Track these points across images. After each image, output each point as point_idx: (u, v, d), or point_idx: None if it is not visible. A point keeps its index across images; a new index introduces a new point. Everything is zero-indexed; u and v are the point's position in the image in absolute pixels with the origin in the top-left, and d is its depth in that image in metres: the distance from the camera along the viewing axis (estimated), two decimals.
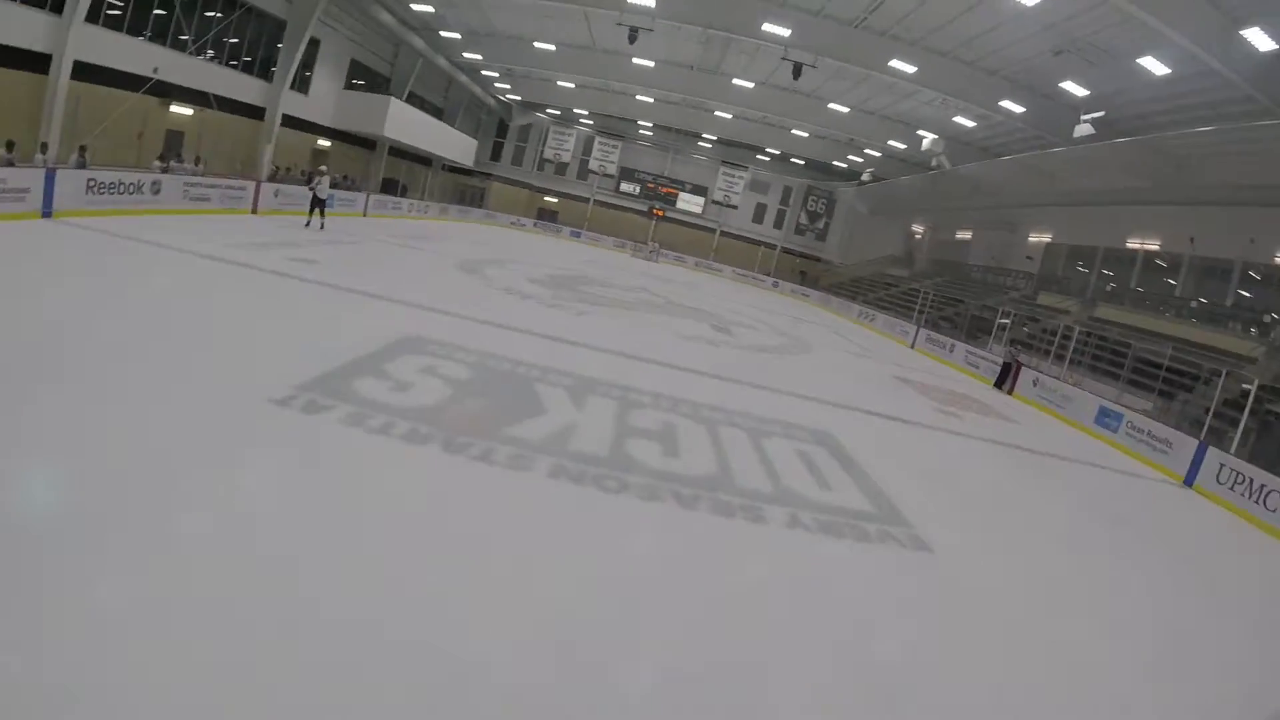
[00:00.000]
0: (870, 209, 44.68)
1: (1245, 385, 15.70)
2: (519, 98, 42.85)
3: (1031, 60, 19.88)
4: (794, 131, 36.06)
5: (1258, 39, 14.34)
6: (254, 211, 18.75)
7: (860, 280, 41.80)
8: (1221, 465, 12.44)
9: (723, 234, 47.63)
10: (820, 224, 47.94)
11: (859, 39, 21.39)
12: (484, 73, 37.39)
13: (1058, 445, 13.27)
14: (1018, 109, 22.40)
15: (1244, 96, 16.55)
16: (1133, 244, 25.81)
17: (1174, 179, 21.44)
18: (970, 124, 26.14)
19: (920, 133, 28.38)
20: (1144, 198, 23.92)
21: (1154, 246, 24.96)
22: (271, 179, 22.58)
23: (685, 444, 6.66)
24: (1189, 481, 12.98)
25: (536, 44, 29.52)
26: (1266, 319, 19.45)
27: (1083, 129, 19.53)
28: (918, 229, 43.01)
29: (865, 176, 39.09)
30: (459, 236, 26.88)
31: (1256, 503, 11.44)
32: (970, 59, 21.26)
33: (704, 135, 42.60)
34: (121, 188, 13.60)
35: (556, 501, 4.90)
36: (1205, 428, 14.54)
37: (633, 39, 22.29)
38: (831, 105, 29.22)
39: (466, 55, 33.19)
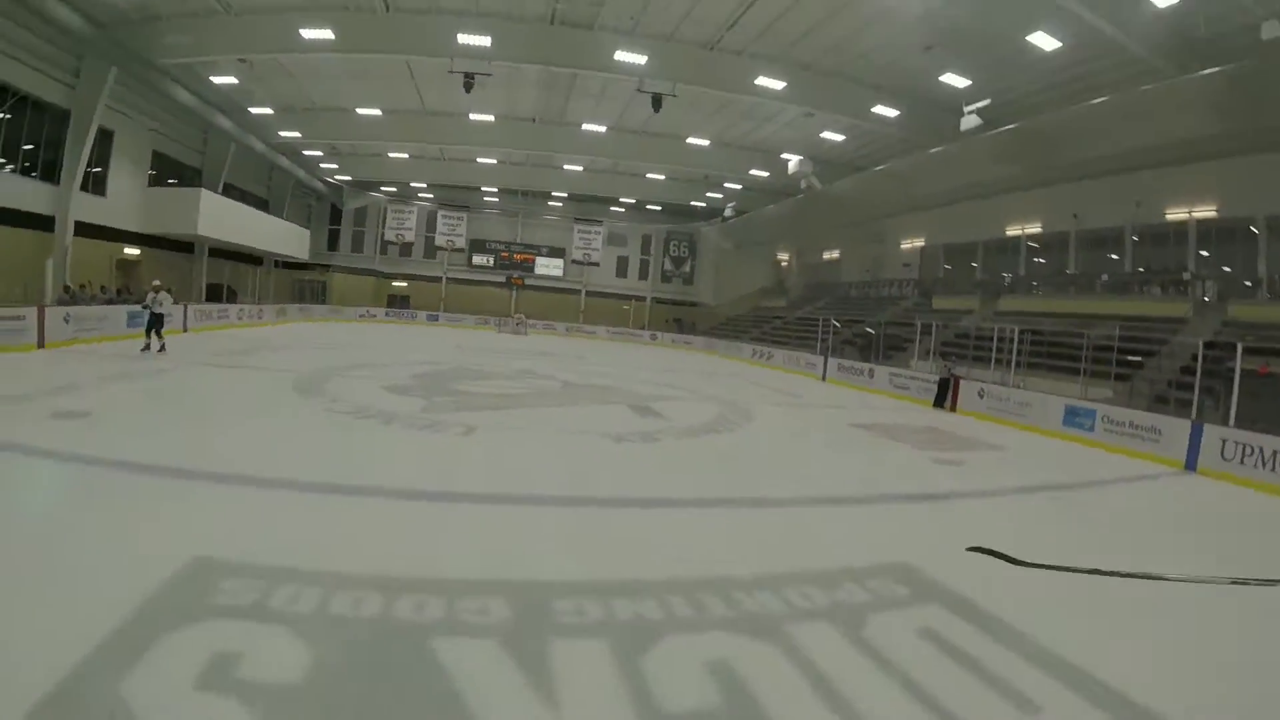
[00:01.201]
0: (735, 244, 43.73)
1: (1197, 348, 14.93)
2: (349, 178, 39.04)
3: (902, 60, 18.79)
4: (649, 176, 34.49)
5: None
6: (41, 346, 14.35)
7: (738, 318, 40.51)
8: (1224, 440, 11.47)
9: (588, 294, 45.35)
10: (686, 268, 46.56)
11: (718, 61, 19.70)
12: (306, 153, 33.46)
13: (1061, 466, 11.99)
14: (891, 113, 21.37)
15: (1133, 59, 15.87)
16: (1013, 231, 25.51)
17: (1050, 161, 20.99)
18: (839, 138, 25.18)
19: (785, 157, 27.29)
20: (1020, 184, 23.52)
21: (1036, 229, 24.69)
22: (66, 301, 17.83)
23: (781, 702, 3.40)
24: (1190, 466, 11.99)
25: (360, 110, 26.17)
26: (1185, 275, 19.05)
27: (969, 121, 18.56)
28: (784, 257, 42.48)
29: (728, 212, 38.09)
30: (300, 342, 22.39)
31: (1273, 470, 10.51)
32: (837, 68, 20.03)
33: (554, 193, 40.50)
34: None
35: None
36: (1195, 407, 13.43)
37: (468, 87, 19.46)
38: (691, 140, 27.61)
39: (283, 134, 29.19)
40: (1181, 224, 19.78)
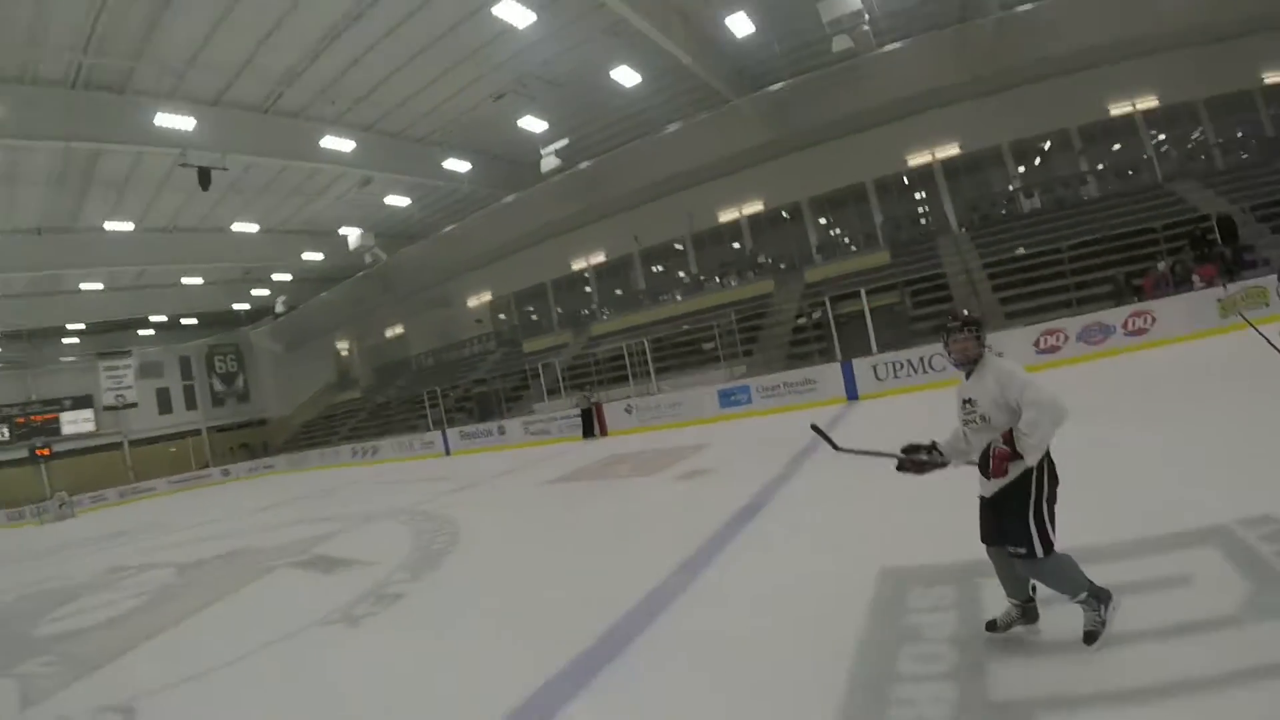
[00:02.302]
0: (287, 345, 39.06)
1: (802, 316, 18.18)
2: None
3: (474, 110, 19.00)
4: (184, 281, 28.77)
5: (739, 24, 15.98)
6: None
7: (313, 424, 36.15)
8: (874, 367, 14.26)
9: (132, 444, 35.68)
10: (238, 383, 39.96)
11: (274, 125, 17.37)
12: None
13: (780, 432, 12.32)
14: (463, 167, 21.33)
15: (702, 85, 18.51)
16: (579, 265, 27.88)
17: (614, 191, 23.55)
18: (404, 203, 24.29)
19: (344, 232, 25.31)
20: (584, 220, 25.82)
21: (601, 259, 27.36)
22: None
23: None
24: (852, 396, 14.41)
25: None
26: (762, 260, 23.29)
27: (549, 162, 19.47)
28: (343, 345, 39.52)
29: (279, 308, 33.64)
30: None
31: (926, 372, 13.45)
32: (402, 128, 19.33)
33: (69, 326, 31.70)
34: None
35: None
36: (836, 347, 16.17)
37: None
38: (236, 227, 23.75)
39: None
40: (734, 222, 24.28)
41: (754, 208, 24.07)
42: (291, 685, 4.45)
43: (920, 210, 22.40)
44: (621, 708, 3.44)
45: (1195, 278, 12.84)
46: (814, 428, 3.62)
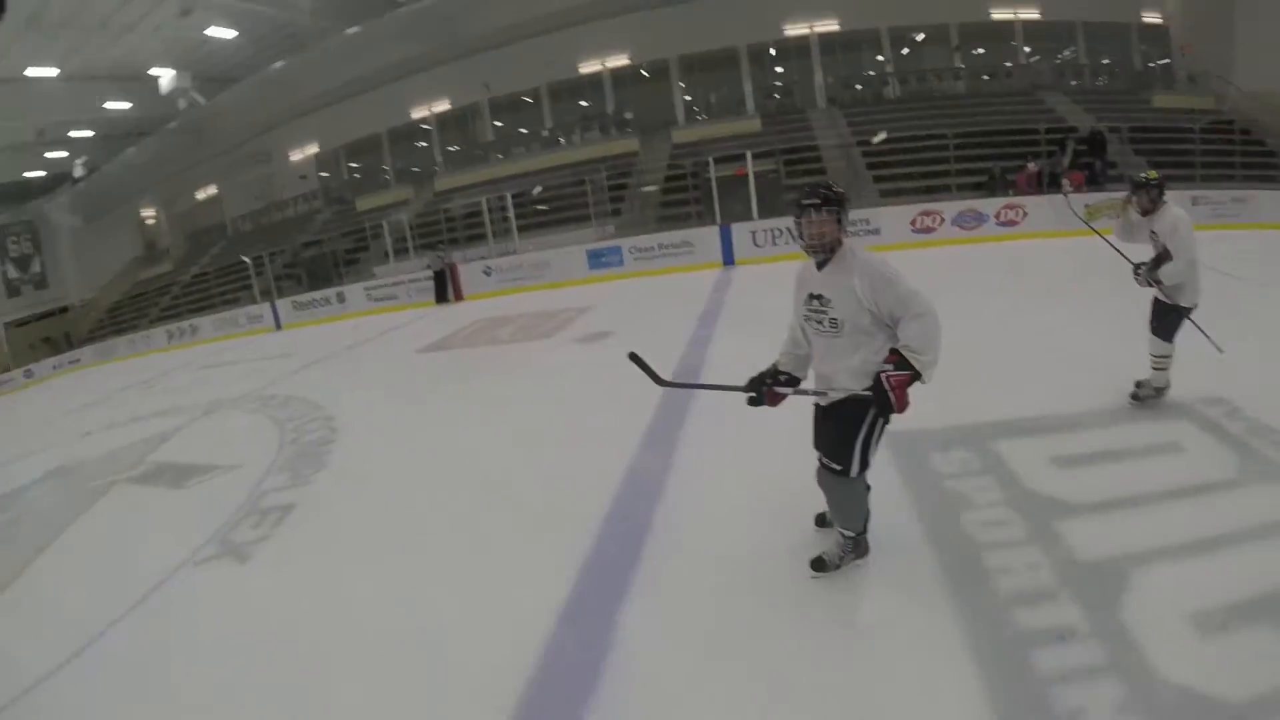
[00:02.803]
0: (86, 216, 33.00)
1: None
2: None
3: None
4: None
5: None
6: None
7: (120, 306, 30.81)
8: (753, 233, 14.31)
9: None
10: (35, 267, 33.32)
11: None
12: None
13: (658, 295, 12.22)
14: None
15: None
16: (419, 113, 24.97)
17: (460, 33, 20.81)
18: (230, 35, 20.45)
19: (156, 73, 20.89)
20: (422, 64, 23.02)
21: (445, 107, 24.59)
22: None
23: None
24: (728, 261, 14.37)
25: None
26: (626, 115, 22.13)
27: None
28: (149, 214, 33.75)
29: (78, 171, 27.86)
30: None
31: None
32: None
33: None
34: None
35: None
36: (717, 210, 15.70)
37: None
38: (32, 72, 19.16)
39: None
40: (595, 75, 22.40)
41: (619, 61, 22.42)
42: (187, 666, 3.16)
43: (792, 81, 21.84)
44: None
45: (1065, 182, 13.45)
46: (632, 357, 3.05)
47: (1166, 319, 4.45)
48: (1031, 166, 14.43)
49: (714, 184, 15.58)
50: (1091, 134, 15.40)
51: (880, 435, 2.84)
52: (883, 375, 2.63)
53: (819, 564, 3.00)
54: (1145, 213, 4.46)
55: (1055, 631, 2.54)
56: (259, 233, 27.58)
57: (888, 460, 3.92)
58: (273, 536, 4.34)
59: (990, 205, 13.25)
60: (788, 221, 12.12)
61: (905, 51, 21.25)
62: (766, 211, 14.88)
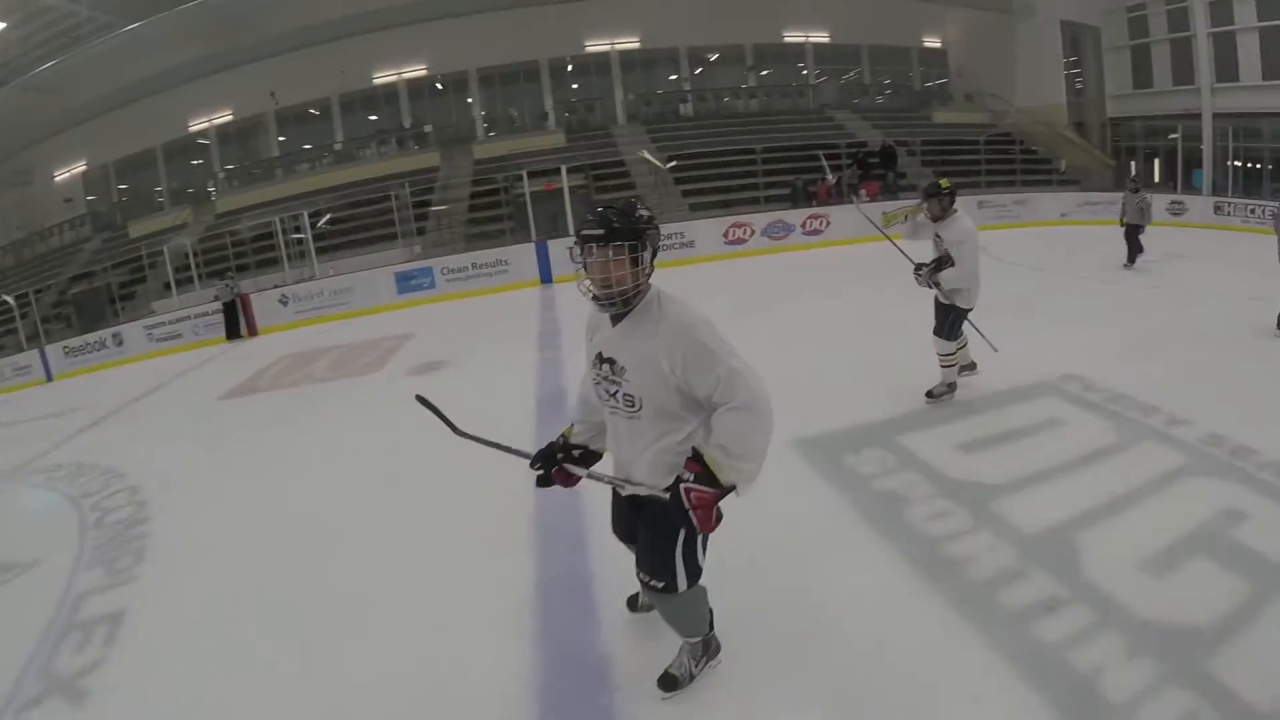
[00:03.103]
0: None
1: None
2: None
3: None
4: None
5: None
6: None
7: None
8: (569, 249, 13.83)
9: None
10: None
11: None
12: None
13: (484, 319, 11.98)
14: None
15: None
16: (198, 124, 22.68)
17: (240, 39, 19.15)
18: None
19: None
20: (201, 70, 20.87)
21: (227, 117, 22.52)
22: None
23: None
24: (546, 279, 14.43)
25: None
26: (425, 129, 21.46)
27: None
28: None
29: None
30: None
31: None
32: None
33: None
34: None
35: None
36: (532, 226, 15.68)
37: None
38: None
39: None
40: (391, 86, 21.49)
41: (416, 72, 21.62)
42: None
43: (594, 97, 22.27)
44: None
45: (861, 193, 15.12)
46: (421, 400, 2.47)
47: (946, 319, 5.02)
48: (830, 179, 15.94)
49: (528, 199, 15.65)
50: (883, 148, 17.31)
51: (704, 538, 2.26)
52: (682, 486, 2.04)
53: (669, 682, 2.48)
54: (935, 219, 4.94)
55: (1044, 604, 2.82)
56: (20, 267, 23.46)
57: (809, 468, 4.27)
58: (108, 660, 3.34)
59: (797, 215, 14.57)
60: None
61: (699, 71, 22.43)
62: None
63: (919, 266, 5.00)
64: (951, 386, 5.17)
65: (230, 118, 22.44)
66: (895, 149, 17.55)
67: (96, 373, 15.31)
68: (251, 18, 18.22)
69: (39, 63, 20.27)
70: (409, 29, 20.41)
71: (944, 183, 4.99)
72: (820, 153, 16.82)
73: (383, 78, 21.61)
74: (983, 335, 5.29)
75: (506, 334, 9.81)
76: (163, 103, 21.73)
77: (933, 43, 23.15)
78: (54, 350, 16.48)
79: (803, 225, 14.48)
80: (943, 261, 4.92)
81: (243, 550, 4.44)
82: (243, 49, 19.88)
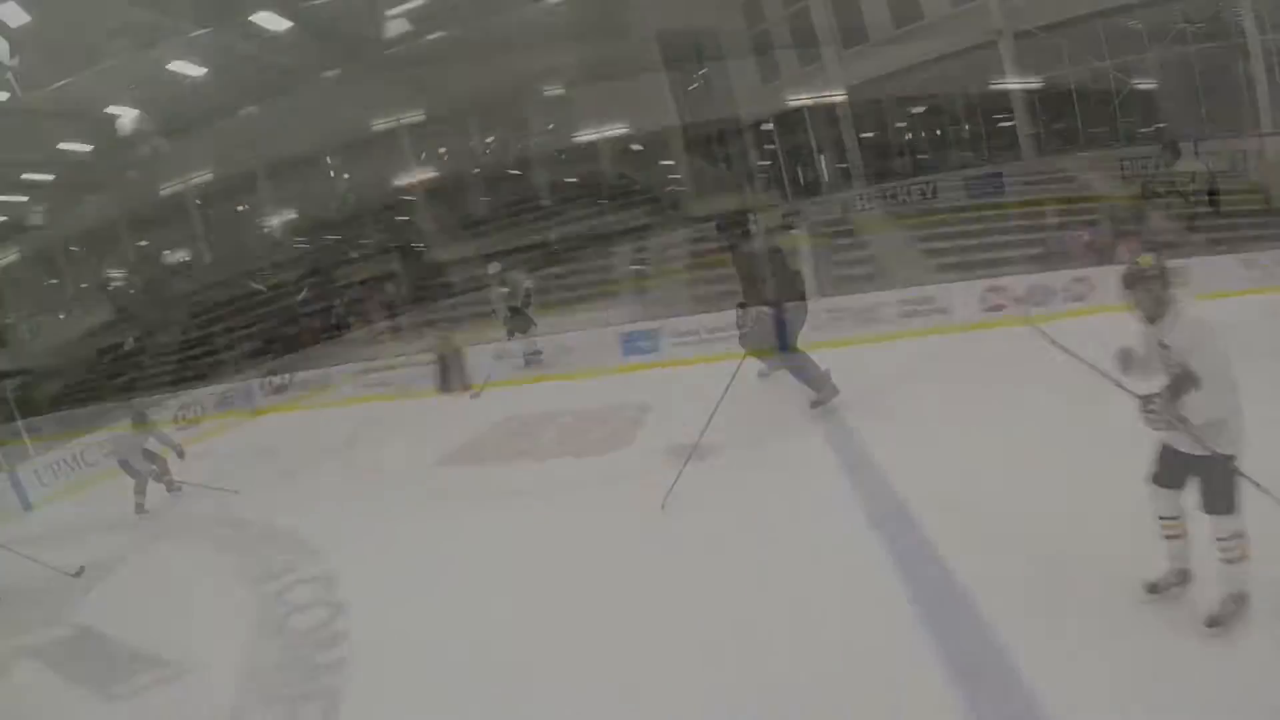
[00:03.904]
0: None
1: None
2: None
3: None
4: None
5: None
6: None
7: None
8: None
9: None
10: None
11: None
12: None
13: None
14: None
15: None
16: None
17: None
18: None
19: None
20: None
21: None
22: None
23: None
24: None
25: None
26: None
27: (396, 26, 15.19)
28: None
29: None
30: None
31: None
32: None
33: None
34: None
35: None
36: None
37: None
38: None
39: None
40: None
41: None
42: None
43: None
44: None
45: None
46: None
47: (1219, 479, 3.04)
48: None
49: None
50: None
51: None
52: None
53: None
54: (1151, 319, 3.06)
55: None
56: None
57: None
58: None
59: None
60: None
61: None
62: None
63: (1148, 399, 3.03)
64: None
65: None
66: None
67: (295, 412, 14.54)
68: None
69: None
70: None
71: (1144, 260, 3.05)
72: None
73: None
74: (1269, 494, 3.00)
75: (765, 403, 7.62)
76: None
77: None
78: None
79: None
80: (1181, 382, 2.92)
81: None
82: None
